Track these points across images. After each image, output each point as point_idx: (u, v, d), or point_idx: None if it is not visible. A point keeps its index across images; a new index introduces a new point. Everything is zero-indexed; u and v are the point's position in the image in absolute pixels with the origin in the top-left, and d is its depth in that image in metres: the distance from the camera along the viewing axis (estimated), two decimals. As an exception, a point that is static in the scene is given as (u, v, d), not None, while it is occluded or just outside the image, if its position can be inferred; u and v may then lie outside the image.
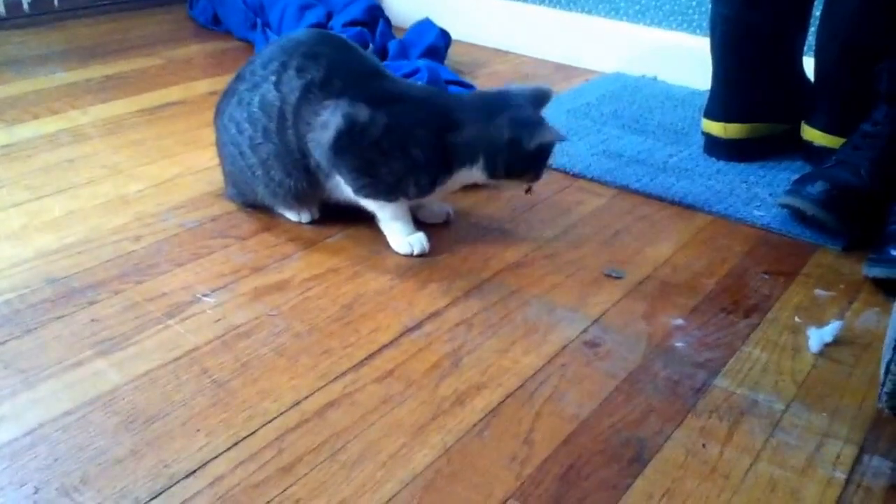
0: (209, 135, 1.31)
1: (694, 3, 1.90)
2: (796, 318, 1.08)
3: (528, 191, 1.23)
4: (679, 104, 1.83)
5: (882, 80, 1.32)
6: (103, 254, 1.11)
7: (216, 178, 1.30)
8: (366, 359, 0.95)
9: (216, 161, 1.28)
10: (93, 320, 0.97)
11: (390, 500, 0.76)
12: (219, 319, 0.99)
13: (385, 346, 0.97)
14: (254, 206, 1.24)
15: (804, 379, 0.97)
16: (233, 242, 1.17)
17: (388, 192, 1.14)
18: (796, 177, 1.37)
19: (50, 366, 0.90)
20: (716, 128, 1.54)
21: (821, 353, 1.02)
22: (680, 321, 1.06)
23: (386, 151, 1.11)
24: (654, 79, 2.00)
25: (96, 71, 1.82)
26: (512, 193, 1.35)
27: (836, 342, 1.03)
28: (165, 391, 0.87)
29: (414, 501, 0.76)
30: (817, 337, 1.04)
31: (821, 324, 1.06)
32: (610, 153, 1.56)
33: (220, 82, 1.76)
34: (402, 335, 0.99)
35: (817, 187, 1.28)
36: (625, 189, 1.43)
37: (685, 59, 1.91)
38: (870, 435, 0.88)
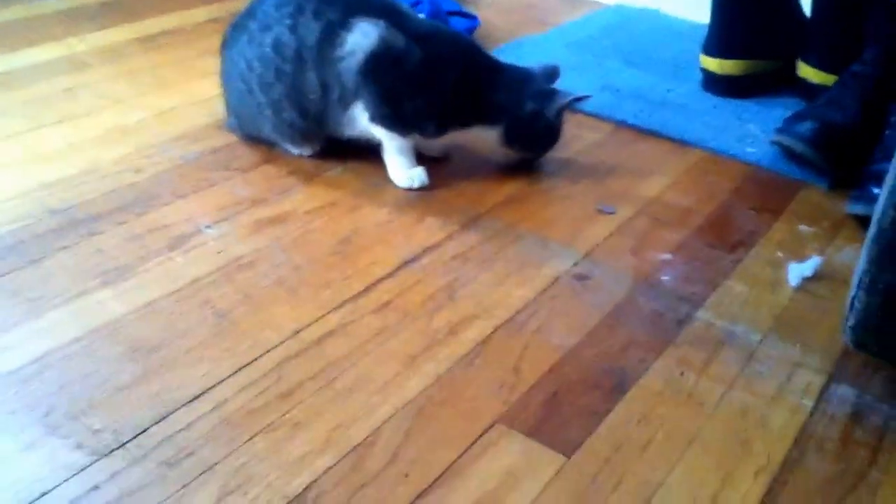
0: (207, 64, 1.33)
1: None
2: (779, 253, 1.12)
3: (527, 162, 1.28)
4: (679, 38, 1.83)
5: (871, 22, 1.33)
6: (104, 185, 1.14)
7: (216, 109, 1.32)
8: (363, 290, 0.98)
9: (216, 91, 1.29)
10: (96, 251, 1.01)
11: (383, 424, 0.80)
12: (220, 251, 1.03)
13: (382, 279, 1.00)
14: (255, 139, 1.26)
15: (781, 312, 1.00)
16: (234, 175, 1.19)
17: (404, 126, 1.17)
18: (789, 114, 1.39)
19: (56, 295, 0.93)
20: (713, 64, 1.55)
21: (800, 287, 1.05)
22: (667, 256, 1.10)
23: (416, 85, 1.14)
24: (657, 11, 1.99)
25: (93, -4, 1.81)
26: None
27: (816, 277, 1.07)
28: (168, 321, 0.91)
29: (405, 426, 0.80)
30: (797, 271, 1.08)
31: (801, 259, 1.09)
32: (609, 87, 1.57)
33: (218, 10, 1.77)
34: (399, 268, 1.03)
35: (806, 126, 1.30)
36: (622, 124, 1.45)
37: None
38: (838, 366, 0.92)
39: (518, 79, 1.20)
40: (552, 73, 1.25)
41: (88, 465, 0.73)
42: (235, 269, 1.00)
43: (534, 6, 1.99)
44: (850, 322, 0.84)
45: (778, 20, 1.55)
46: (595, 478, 0.76)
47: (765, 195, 1.26)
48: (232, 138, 1.28)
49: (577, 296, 1.01)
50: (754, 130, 1.44)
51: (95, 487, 0.71)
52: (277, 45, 1.15)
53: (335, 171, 1.23)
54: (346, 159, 1.25)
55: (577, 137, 1.39)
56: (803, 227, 1.18)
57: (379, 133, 1.18)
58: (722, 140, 1.40)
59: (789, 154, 1.33)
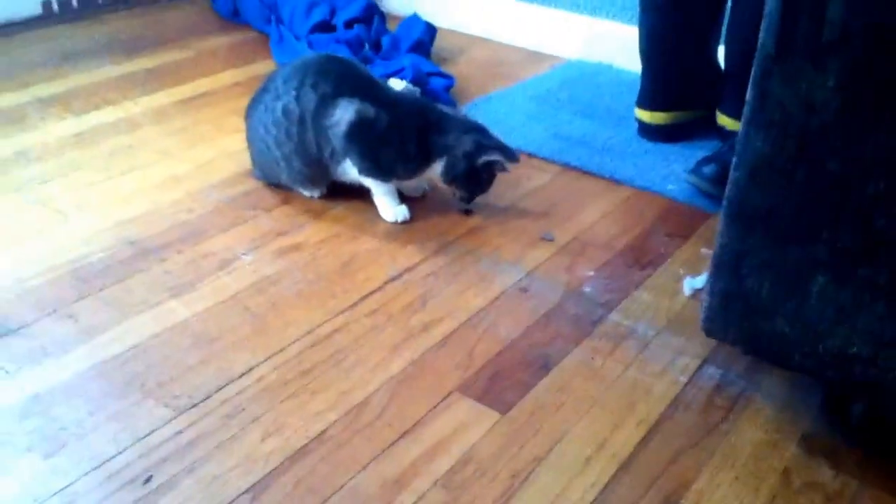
0: (235, 122, 1.69)
1: (640, 3, 2.24)
2: (680, 270, 1.46)
3: (466, 212, 1.60)
4: (626, 90, 2.17)
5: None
6: (165, 222, 1.50)
7: (244, 161, 1.67)
8: (359, 300, 1.33)
9: (244, 145, 1.65)
10: (165, 272, 1.36)
11: (374, 391, 1.15)
12: (254, 271, 1.38)
13: (373, 292, 1.36)
14: (276, 185, 1.62)
15: (674, 315, 1.35)
16: (261, 213, 1.55)
17: (383, 173, 1.52)
18: (708, 154, 1.74)
19: (138, 304, 1.28)
20: (645, 115, 1.90)
21: (692, 296, 1.40)
22: (592, 272, 1.44)
23: (385, 142, 1.49)
24: (610, 66, 2.34)
25: (139, 64, 2.18)
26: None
27: (704, 288, 1.41)
28: (220, 322, 1.26)
29: (390, 392, 1.15)
30: (691, 284, 1.42)
31: (696, 274, 1.44)
32: (560, 135, 1.93)
33: (241, 73, 2.14)
34: (385, 283, 1.38)
35: (710, 168, 1.65)
36: (567, 166, 1.80)
37: (635, 48, 2.26)
38: (711, 353, 1.26)
39: (465, 128, 1.51)
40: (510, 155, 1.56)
41: (173, 418, 1.08)
42: (265, 284, 1.35)
43: (503, 62, 2.35)
44: (702, 316, 1.18)
45: (698, 77, 1.90)
46: (521, 428, 1.10)
47: (679, 224, 1.61)
48: (257, 184, 1.64)
49: (519, 303, 1.36)
50: (677, 170, 1.79)
51: (179, 432, 1.06)
52: (286, 111, 1.51)
53: (338, 209, 1.58)
54: (346, 199, 1.60)
55: (528, 177, 1.74)
56: (704, 250, 1.52)
57: (366, 181, 1.54)
58: (648, 178, 1.75)
59: (699, 190, 1.68)
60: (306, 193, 1.60)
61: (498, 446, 1.07)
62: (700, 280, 1.42)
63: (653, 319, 1.33)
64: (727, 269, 1.07)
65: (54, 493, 0.96)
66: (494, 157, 1.51)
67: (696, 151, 1.86)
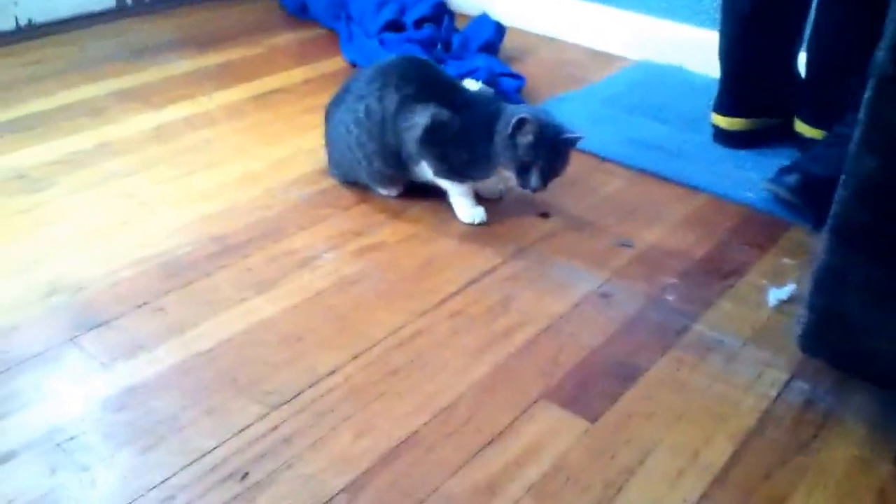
0: (308, 120, 1.71)
1: (715, 4, 2.21)
2: (763, 281, 1.44)
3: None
4: (698, 93, 2.15)
5: (851, 91, 1.65)
6: (246, 219, 1.51)
7: (319, 158, 1.68)
8: (440, 302, 1.33)
9: (318, 143, 1.66)
10: (248, 269, 1.37)
11: (460, 396, 1.15)
12: (335, 271, 1.39)
13: (454, 294, 1.36)
14: (352, 183, 1.63)
15: (760, 326, 1.33)
16: (339, 212, 1.55)
17: (458, 175, 1.52)
18: (784, 164, 1.71)
19: (225, 300, 1.30)
20: (722, 121, 1.88)
21: (777, 308, 1.37)
22: (673, 280, 1.43)
23: (459, 145, 1.49)
24: (680, 67, 2.32)
25: (210, 59, 2.21)
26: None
27: (790, 300, 1.38)
28: (305, 320, 1.27)
29: (476, 398, 1.14)
30: (775, 295, 1.40)
31: (781, 285, 1.41)
32: (633, 140, 1.91)
33: (312, 70, 2.15)
34: (465, 286, 1.38)
35: (793, 178, 1.62)
36: (642, 171, 1.79)
37: (706, 51, 2.22)
38: (799, 367, 1.24)
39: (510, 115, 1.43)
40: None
41: (266, 415, 1.09)
42: (347, 284, 1.36)
43: (571, 63, 2.34)
44: (798, 332, 1.17)
45: (778, 83, 1.87)
46: (611, 437, 1.10)
47: (757, 233, 1.58)
48: (333, 182, 1.65)
49: (600, 310, 1.35)
50: (753, 178, 1.77)
51: (274, 429, 1.07)
52: (368, 112, 1.51)
53: (414, 209, 1.59)
54: (423, 199, 1.60)
55: (602, 182, 1.73)
56: (786, 260, 1.50)
57: (442, 184, 1.54)
58: (725, 185, 1.73)
59: (779, 200, 1.66)
60: (383, 192, 1.61)
61: (588, 455, 1.07)
62: (785, 291, 1.40)
63: (738, 331, 1.32)
64: (829, 286, 1.06)
65: (153, 487, 0.98)
66: (566, 132, 1.45)
67: (772, 159, 1.83)
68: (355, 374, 1.17)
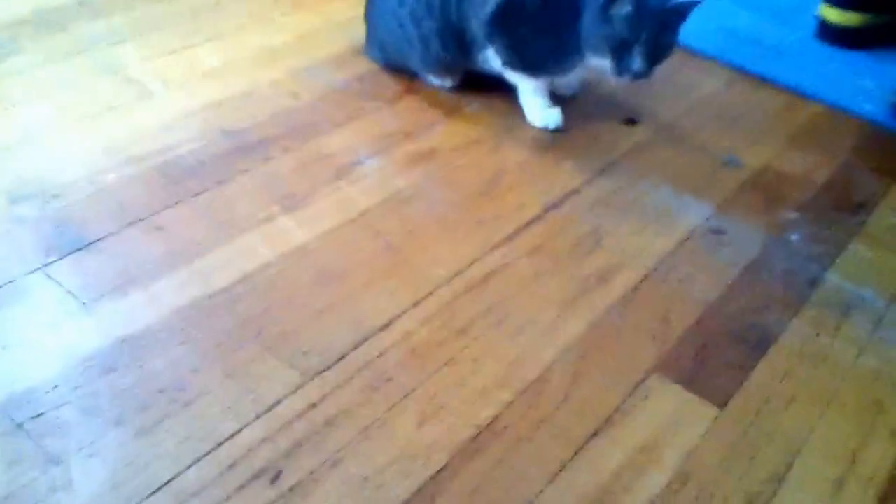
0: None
1: None
2: (898, 219, 1.17)
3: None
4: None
5: None
6: (266, 108, 1.20)
7: (355, 34, 1.36)
8: (515, 232, 1.05)
9: (352, 13, 1.34)
10: (272, 177, 1.08)
11: (552, 364, 0.88)
12: (381, 182, 1.10)
13: (531, 222, 1.07)
14: (395, 69, 1.31)
15: (904, 280, 1.07)
16: (382, 105, 1.25)
17: (532, 68, 1.21)
18: None
19: (243, 219, 1.01)
20: (834, 14, 1.56)
21: (923, 257, 1.11)
22: (794, 214, 1.15)
23: (539, 29, 1.17)
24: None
25: None
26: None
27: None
28: (347, 250, 0.99)
29: (571, 369, 0.88)
30: (919, 239, 1.13)
31: (922, 225, 1.15)
32: (725, 30, 1.59)
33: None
34: (545, 211, 1.09)
35: (931, 90, 1.33)
36: (740, 71, 1.48)
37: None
38: (964, 336, 0.99)
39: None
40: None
41: (302, 385, 0.82)
42: (397, 202, 1.07)
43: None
44: None
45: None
46: (747, 431, 0.84)
47: (883, 155, 1.30)
48: (373, 66, 1.33)
49: (713, 250, 1.07)
50: (870, 86, 1.47)
51: (313, 405, 0.80)
52: None
53: (473, 106, 1.28)
54: (483, 93, 1.30)
55: (697, 82, 1.43)
56: (920, 193, 1.23)
57: (512, 77, 1.24)
58: (838, 94, 1.43)
59: (908, 115, 1.37)
60: (437, 82, 1.30)
61: (721, 455, 0.82)
62: (931, 235, 1.13)
63: (880, 283, 1.05)
64: None
65: (155, 490, 0.72)
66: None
67: (887, 64, 1.54)
68: (415, 329, 0.90)
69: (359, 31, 1.35)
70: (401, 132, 1.20)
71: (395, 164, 1.13)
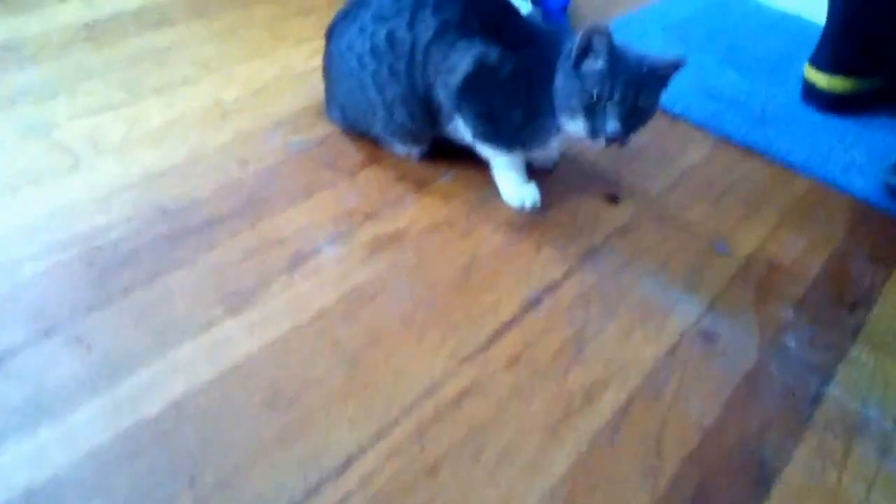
0: (300, 28, 1.25)
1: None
2: (901, 318, 1.09)
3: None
4: (772, 31, 1.76)
5: None
6: (212, 180, 1.07)
7: (316, 87, 1.24)
8: (491, 338, 0.94)
9: (315, 62, 1.22)
10: (215, 269, 0.95)
11: (534, 512, 0.77)
12: (340, 276, 0.98)
13: (509, 324, 0.96)
14: (360, 133, 1.19)
15: (913, 394, 0.98)
16: (342, 177, 1.13)
17: (506, 141, 1.10)
18: (893, 138, 1.38)
19: (181, 325, 0.88)
20: (820, 79, 1.48)
21: (927, 365, 1.03)
22: (789, 313, 1.06)
23: (511, 99, 1.06)
24: (746, -7, 1.90)
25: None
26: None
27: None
28: (302, 363, 0.86)
29: (557, 515, 0.77)
30: (923, 344, 1.05)
31: (926, 328, 1.06)
32: (709, 91, 1.50)
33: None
34: (523, 311, 0.98)
35: (929, 172, 1.25)
36: (725, 139, 1.39)
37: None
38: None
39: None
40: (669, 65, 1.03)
41: (245, 548, 0.70)
42: (359, 300, 0.95)
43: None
44: None
45: (892, 36, 1.48)
46: None
47: (878, 240, 1.22)
48: (333, 128, 1.21)
49: (707, 359, 0.97)
50: (859, 158, 1.39)
51: (257, 578, 0.68)
52: (393, 40, 1.07)
53: (443, 178, 1.17)
54: (455, 164, 1.18)
55: (682, 151, 1.34)
56: (920, 285, 1.15)
57: (484, 151, 1.13)
58: (828, 168, 1.35)
59: (900, 197, 1.29)
60: (403, 151, 1.18)
61: None
62: (934, 338, 1.05)
63: (884, 400, 0.97)
64: None
65: None
66: (655, 58, 1.02)
67: (875, 131, 1.47)
68: (378, 469, 0.78)
69: (321, 84, 1.22)
70: (363, 211, 1.07)
71: (357, 252, 1.01)
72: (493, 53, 1.05)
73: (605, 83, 0.99)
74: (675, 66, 1.02)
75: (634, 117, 1.02)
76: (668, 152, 1.32)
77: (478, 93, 1.06)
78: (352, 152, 1.17)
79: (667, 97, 1.42)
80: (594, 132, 1.01)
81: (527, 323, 0.97)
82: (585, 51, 1.00)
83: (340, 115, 1.19)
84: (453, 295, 0.98)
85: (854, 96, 1.49)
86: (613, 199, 1.20)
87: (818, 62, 1.49)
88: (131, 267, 0.93)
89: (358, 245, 1.02)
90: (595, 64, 1.00)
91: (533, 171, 1.18)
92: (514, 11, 1.10)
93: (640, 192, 1.22)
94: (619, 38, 1.03)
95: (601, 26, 0.98)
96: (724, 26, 1.73)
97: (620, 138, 1.01)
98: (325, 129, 1.20)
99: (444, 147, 1.17)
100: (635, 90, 1.00)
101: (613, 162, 1.27)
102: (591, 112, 1.01)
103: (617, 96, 1.00)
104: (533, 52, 1.05)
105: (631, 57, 1.01)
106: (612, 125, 1.00)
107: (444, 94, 1.07)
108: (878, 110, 1.52)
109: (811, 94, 1.51)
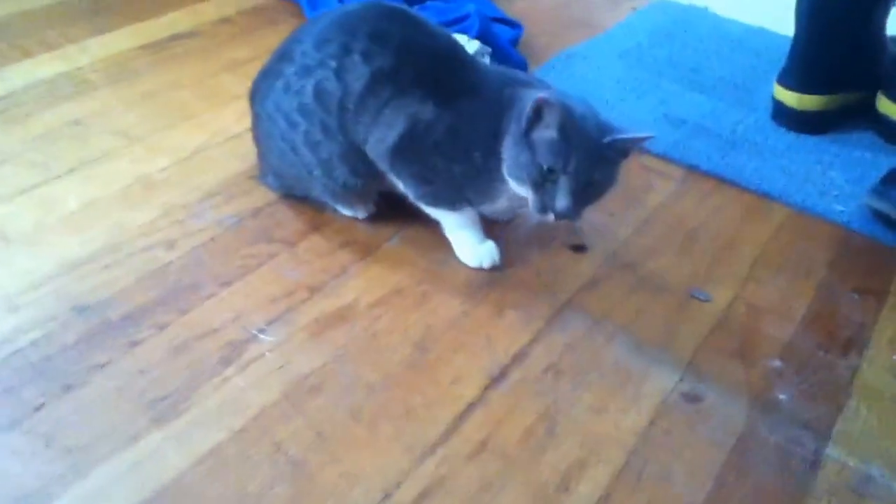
0: (231, 84, 1.16)
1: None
2: (895, 357, 1.00)
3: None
4: (735, 48, 1.68)
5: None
6: (134, 267, 0.97)
7: (250, 151, 1.14)
8: (452, 425, 0.85)
9: (246, 123, 1.12)
10: (139, 371, 0.85)
11: None
12: (281, 366, 0.88)
13: (471, 406, 0.87)
14: (297, 197, 1.10)
15: (918, 445, 0.89)
16: (280, 249, 1.03)
17: (450, 201, 1.01)
18: (870, 155, 1.33)
19: (101, 443, 0.78)
20: (791, 98, 1.41)
21: (930, 408, 0.94)
22: (777, 363, 0.98)
23: (447, 155, 0.97)
24: (706, 10, 1.83)
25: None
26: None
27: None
28: (239, 478, 0.76)
29: None
30: (923, 386, 0.97)
31: (925, 368, 0.98)
32: (672, 118, 1.42)
33: (231, 4, 1.56)
34: (486, 389, 0.89)
35: (913, 192, 1.17)
36: (694, 169, 1.31)
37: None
38: None
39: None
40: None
41: None
42: (302, 394, 0.85)
43: (572, 4, 1.81)
44: None
45: (864, 52, 1.41)
46: None
47: (863, 271, 1.14)
48: (270, 195, 1.12)
49: (691, 426, 0.88)
50: (838, 180, 1.31)
51: None
52: (320, 93, 0.98)
53: (393, 241, 1.08)
54: (404, 224, 1.09)
55: (648, 187, 1.25)
56: (913, 318, 1.06)
57: (430, 212, 1.04)
58: (806, 194, 1.27)
59: (886, 222, 1.21)
60: (347, 213, 1.09)
61: None
62: (934, 378, 0.97)
63: (888, 457, 0.88)
64: None
65: None
66: (615, 130, 0.92)
67: (853, 150, 1.39)
68: None
69: (252, 147, 1.13)
70: (305, 287, 0.98)
71: (298, 336, 0.92)
72: (428, 111, 0.96)
73: (558, 155, 0.90)
74: (639, 140, 0.93)
75: (588, 192, 0.93)
76: (634, 190, 1.24)
77: (413, 154, 0.97)
78: (291, 220, 1.08)
79: (630, 126, 1.35)
80: (542, 208, 0.92)
81: (491, 402, 0.87)
82: (538, 120, 0.91)
83: (275, 180, 1.10)
84: (407, 377, 0.89)
85: (827, 114, 1.42)
86: (579, 248, 1.11)
87: (787, 80, 1.41)
88: (42, 378, 0.83)
89: (299, 328, 0.92)
90: (546, 132, 0.90)
91: (491, 224, 1.09)
92: (454, 53, 1.01)
93: (606, 238, 1.13)
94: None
95: (551, 97, 0.88)
96: (684, 47, 1.66)
97: (570, 216, 0.92)
98: (261, 196, 1.11)
99: (393, 203, 1.08)
100: (591, 164, 0.90)
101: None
102: (541, 186, 0.91)
103: (570, 170, 0.90)
104: (476, 103, 0.97)
105: (589, 126, 0.91)
106: (562, 202, 0.91)
107: (376, 155, 0.98)
108: (854, 127, 1.44)
109: (782, 114, 1.44)
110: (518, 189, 0.94)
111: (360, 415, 0.84)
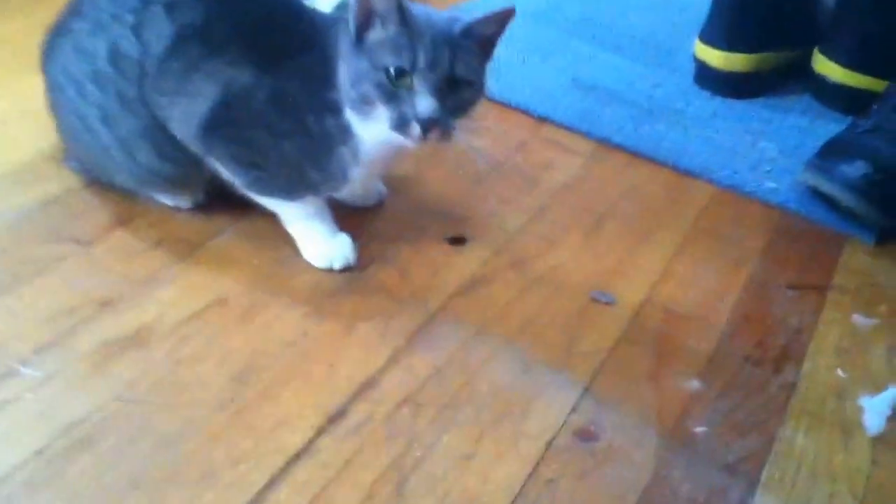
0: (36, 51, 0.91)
1: None
2: (839, 372, 0.83)
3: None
4: (656, 1, 1.49)
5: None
6: None
7: (52, 129, 0.91)
8: (268, 484, 0.64)
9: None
10: None
11: None
12: (46, 410, 0.66)
13: (295, 457, 0.66)
14: (106, 184, 0.87)
15: (864, 490, 0.71)
16: (73, 250, 0.81)
17: (286, 189, 0.80)
18: (806, 122, 1.18)
19: None
20: (716, 58, 1.22)
21: (881, 437, 0.77)
22: (696, 384, 0.79)
23: (274, 128, 0.76)
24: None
25: None
26: (461, 158, 0.93)
27: (897, 414, 0.79)
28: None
29: None
30: (874, 410, 0.80)
31: (872, 385, 0.81)
32: (583, 83, 1.23)
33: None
34: (319, 432, 0.68)
35: (856, 169, 0.99)
36: (605, 142, 1.12)
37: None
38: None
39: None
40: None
41: None
42: (69, 447, 0.64)
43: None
44: None
45: (798, 2, 1.23)
46: None
47: (801, 261, 0.98)
48: (75, 181, 0.89)
49: (585, 474, 0.69)
50: (770, 152, 1.14)
51: None
52: (116, 55, 0.77)
53: (223, 236, 0.86)
54: (241, 214, 0.88)
55: (548, 164, 1.06)
56: (858, 318, 0.89)
57: (265, 203, 0.82)
58: (733, 169, 1.10)
59: (828, 201, 1.03)
60: (168, 202, 0.87)
61: None
62: (886, 400, 0.80)
63: (833, 496, 0.70)
64: None
65: None
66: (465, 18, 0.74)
67: (787, 115, 1.23)
68: None
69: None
70: (95, 301, 0.76)
71: (74, 370, 0.70)
72: (247, 74, 0.74)
73: (403, 50, 0.70)
74: (501, 20, 0.74)
75: (455, 94, 0.73)
76: (531, 168, 1.04)
77: (230, 130, 0.76)
78: (91, 213, 0.85)
79: (532, 94, 1.15)
80: (402, 120, 0.72)
81: (323, 450, 0.67)
82: (368, 18, 0.70)
83: (78, 162, 0.87)
84: (216, 422, 0.68)
85: (757, 75, 1.24)
86: (459, 241, 0.91)
87: (710, 37, 1.23)
88: None
89: (77, 358, 0.70)
90: (384, 31, 0.72)
91: (351, 212, 0.88)
92: (285, 3, 0.79)
93: (493, 228, 0.93)
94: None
95: None
96: (598, 2, 1.46)
97: (441, 124, 0.72)
98: (61, 183, 0.88)
99: (225, 193, 0.86)
100: (449, 55, 0.71)
101: (460, 192, 0.98)
102: (393, 95, 0.71)
103: (423, 63, 0.70)
104: (307, 59, 0.75)
105: (435, 17, 0.73)
106: (423, 104, 0.71)
107: (184, 133, 0.77)
108: (787, 90, 1.27)
109: (706, 77, 1.25)
110: (369, 128, 0.75)
111: (138, 482, 0.62)
